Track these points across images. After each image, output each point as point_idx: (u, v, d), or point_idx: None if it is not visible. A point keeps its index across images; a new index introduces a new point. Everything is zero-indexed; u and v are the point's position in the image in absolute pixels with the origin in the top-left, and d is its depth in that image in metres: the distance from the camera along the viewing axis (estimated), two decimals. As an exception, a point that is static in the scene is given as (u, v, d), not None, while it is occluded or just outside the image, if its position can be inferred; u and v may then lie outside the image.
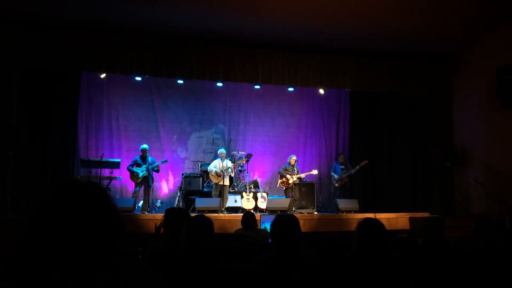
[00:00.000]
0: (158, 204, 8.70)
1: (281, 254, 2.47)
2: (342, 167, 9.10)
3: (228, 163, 8.26)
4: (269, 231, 2.65)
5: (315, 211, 8.40)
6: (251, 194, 8.42)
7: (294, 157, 8.77)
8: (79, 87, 8.76)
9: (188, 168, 9.72)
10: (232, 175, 8.61)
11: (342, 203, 8.15)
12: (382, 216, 7.47)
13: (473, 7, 6.96)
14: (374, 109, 10.14)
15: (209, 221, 2.43)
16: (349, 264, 2.22)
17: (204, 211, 7.32)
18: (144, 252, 2.98)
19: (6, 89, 7.24)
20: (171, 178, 9.71)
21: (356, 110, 10.39)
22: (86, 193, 0.86)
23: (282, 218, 2.61)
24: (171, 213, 3.21)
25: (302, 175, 8.73)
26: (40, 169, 7.94)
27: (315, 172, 8.75)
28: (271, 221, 2.67)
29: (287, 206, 7.82)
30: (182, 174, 9.01)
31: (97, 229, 0.84)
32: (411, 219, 7.63)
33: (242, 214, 5.28)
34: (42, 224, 0.81)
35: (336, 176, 9.01)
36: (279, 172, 8.84)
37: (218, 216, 7.17)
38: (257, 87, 9.19)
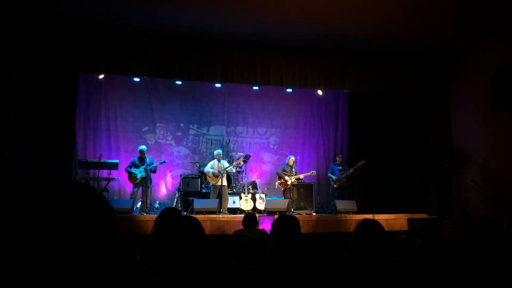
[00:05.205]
0: (157, 205, 8.67)
1: (279, 254, 2.47)
2: (340, 168, 9.09)
3: (225, 163, 8.23)
4: (268, 231, 2.65)
5: (313, 212, 8.40)
6: (250, 195, 8.41)
7: (293, 158, 8.77)
8: (77, 88, 8.73)
9: (186, 169, 9.71)
10: (234, 170, 8.58)
11: (340, 204, 8.14)
12: (380, 217, 7.45)
13: (472, 8, 6.98)
14: (372, 110, 10.13)
15: (199, 222, 2.44)
16: (347, 265, 2.22)
17: (202, 212, 7.30)
18: (142, 253, 2.98)
19: (4, 90, 7.22)
20: (169, 179, 9.69)
21: (354, 111, 10.38)
22: (77, 194, 0.84)
23: (284, 219, 2.61)
24: (164, 213, 3.25)
25: (301, 176, 8.73)
26: (38, 170, 7.91)
27: (313, 172, 8.75)
28: (270, 222, 2.68)
29: (285, 207, 7.82)
30: (181, 175, 8.99)
31: (95, 231, 0.83)
32: (409, 220, 7.63)
33: (240, 215, 5.30)
34: (28, 226, 0.80)
35: (334, 177, 9.00)
36: (278, 173, 8.83)
37: (216, 217, 7.15)
38: (255, 88, 9.19)
